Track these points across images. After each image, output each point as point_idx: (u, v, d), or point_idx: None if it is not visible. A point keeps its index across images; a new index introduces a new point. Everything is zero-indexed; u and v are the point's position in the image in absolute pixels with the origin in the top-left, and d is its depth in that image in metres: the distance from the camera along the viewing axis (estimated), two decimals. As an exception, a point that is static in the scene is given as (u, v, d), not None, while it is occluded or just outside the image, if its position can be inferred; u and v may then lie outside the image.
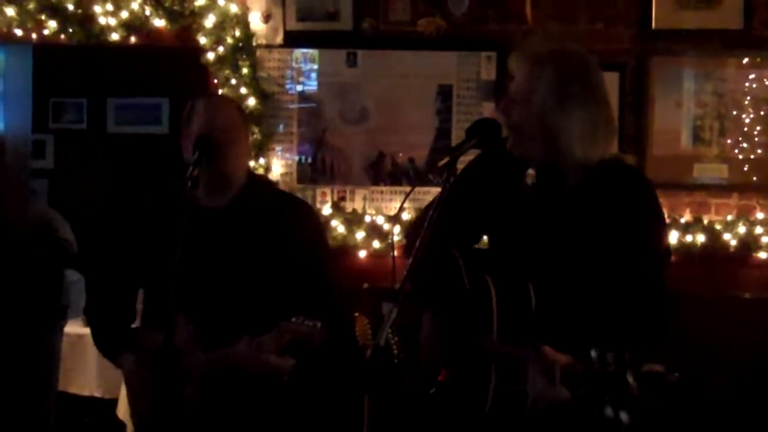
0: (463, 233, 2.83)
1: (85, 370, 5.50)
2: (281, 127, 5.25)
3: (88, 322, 3.25)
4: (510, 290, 2.55)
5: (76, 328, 5.59)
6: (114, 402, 5.28)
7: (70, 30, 5.19)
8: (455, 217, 2.69)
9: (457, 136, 5.17)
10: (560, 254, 2.57)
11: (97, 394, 5.52)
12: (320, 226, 3.23)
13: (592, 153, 2.58)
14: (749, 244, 5.09)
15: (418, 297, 2.75)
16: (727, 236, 5.10)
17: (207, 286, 2.87)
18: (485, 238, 2.92)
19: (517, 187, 2.69)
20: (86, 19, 5.16)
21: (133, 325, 3.12)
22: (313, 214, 3.24)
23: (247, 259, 2.89)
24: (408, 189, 4.98)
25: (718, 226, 5.12)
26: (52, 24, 5.16)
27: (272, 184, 3.31)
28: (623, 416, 2.11)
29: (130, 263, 3.02)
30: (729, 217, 5.15)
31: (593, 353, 2.13)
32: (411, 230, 3.11)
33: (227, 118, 2.92)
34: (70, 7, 5.14)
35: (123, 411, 5.17)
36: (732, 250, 5.09)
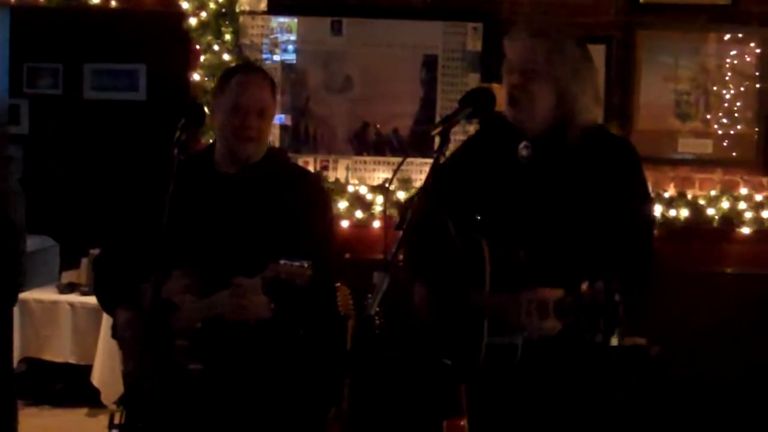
0: (458, 204, 2.83)
1: (60, 336, 5.44)
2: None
3: (94, 274, 3.29)
4: (502, 248, 2.61)
5: (50, 294, 5.58)
6: (88, 368, 5.27)
7: (51, -8, 5.03)
8: (451, 188, 2.80)
9: (442, 106, 5.13)
10: (555, 214, 2.64)
11: (71, 360, 5.45)
12: (326, 198, 3.22)
13: (594, 117, 2.75)
14: (732, 219, 5.06)
15: (408, 267, 2.84)
16: (710, 211, 5.07)
17: (211, 244, 2.88)
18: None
19: (512, 158, 2.73)
20: (68, -19, 5.03)
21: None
22: (321, 186, 3.26)
23: (252, 222, 2.90)
24: (391, 159, 5.11)
25: (701, 201, 5.09)
26: (32, -14, 5.02)
27: (285, 155, 3.34)
28: (613, 339, 2.38)
29: (135, 221, 3.03)
30: (713, 192, 5.12)
31: (583, 285, 2.28)
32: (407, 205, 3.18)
33: (258, 96, 2.93)
34: (52, -31, 5.00)
35: (97, 377, 5.20)
36: (715, 225, 5.07)
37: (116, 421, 2.73)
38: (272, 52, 5.16)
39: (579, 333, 2.30)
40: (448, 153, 2.73)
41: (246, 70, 3.14)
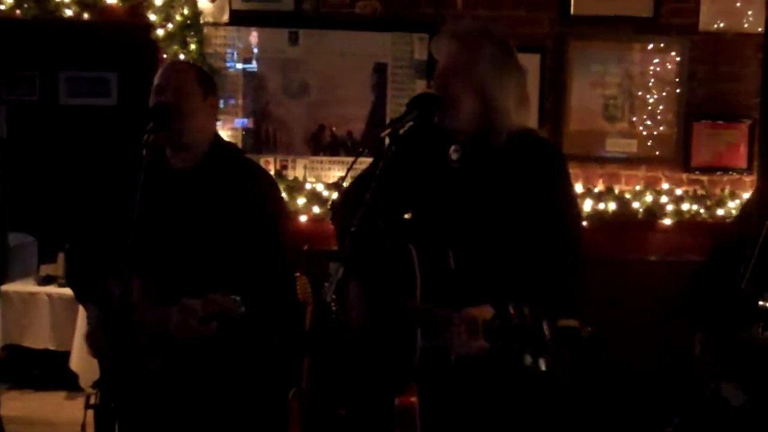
0: (390, 204, 2.77)
1: (39, 324, 5.48)
2: (231, 101, 5.20)
3: (66, 265, 3.29)
4: (431, 254, 2.56)
5: (29, 286, 5.63)
6: (66, 354, 5.32)
7: (25, 6, 5.00)
8: (383, 189, 2.67)
9: (391, 110, 5.18)
10: (482, 216, 2.58)
11: (50, 347, 5.49)
12: (276, 193, 3.13)
13: (519, 120, 2.62)
14: (655, 211, 5.18)
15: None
16: (635, 204, 5.18)
17: (163, 243, 2.83)
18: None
19: (442, 161, 2.68)
20: (42, -4, 5.02)
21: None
22: (270, 182, 3.15)
23: (203, 220, 2.84)
24: (345, 159, 5.17)
25: (627, 195, 5.20)
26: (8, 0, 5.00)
27: (237, 151, 3.21)
28: (541, 363, 2.16)
29: (103, 217, 2.98)
30: (637, 187, 5.24)
31: (511, 308, 2.17)
32: (339, 199, 3.12)
33: (180, 80, 2.87)
34: (26, -17, 4.99)
35: (75, 362, 5.25)
36: (640, 217, 5.18)
37: (92, 402, 2.72)
38: (235, 61, 5.19)
39: (507, 356, 2.21)
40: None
41: (170, 62, 3.05)
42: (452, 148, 2.65)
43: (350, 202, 2.75)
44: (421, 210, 2.76)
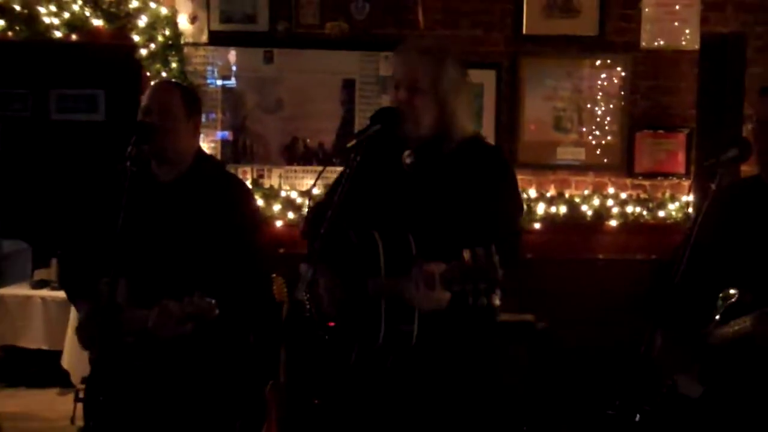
0: (354, 206, 2.76)
1: (33, 326, 5.49)
2: (212, 116, 5.29)
3: (59, 269, 3.24)
4: (393, 240, 2.60)
5: (24, 290, 5.64)
6: (59, 353, 5.32)
7: (17, 28, 5.09)
8: (350, 192, 2.72)
9: (359, 123, 5.25)
10: (434, 211, 2.61)
11: (43, 347, 5.51)
12: (252, 204, 3.17)
13: (469, 127, 2.73)
14: (602, 214, 5.28)
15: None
16: (584, 208, 5.27)
17: (148, 248, 2.87)
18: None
19: (397, 165, 2.73)
20: (31, 19, 5.08)
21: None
22: (251, 196, 3.21)
23: (184, 228, 2.89)
24: (318, 168, 5.20)
25: (577, 200, 5.29)
26: (0, 22, 5.08)
27: (218, 165, 3.25)
28: (495, 299, 2.20)
29: (92, 224, 3.01)
30: (586, 192, 5.33)
31: (465, 254, 2.21)
32: (309, 215, 3.09)
33: (165, 102, 2.91)
34: (17, 7, 5.07)
35: (66, 361, 5.23)
36: (588, 219, 5.27)
37: (81, 396, 2.71)
38: (214, 78, 5.27)
39: (464, 300, 2.23)
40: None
41: (157, 82, 3.04)
42: (406, 153, 2.71)
43: (319, 213, 2.74)
44: (379, 211, 2.76)
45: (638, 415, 2.53)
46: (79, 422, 2.82)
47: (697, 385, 2.63)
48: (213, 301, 2.68)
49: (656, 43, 5.28)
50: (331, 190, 2.89)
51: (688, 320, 2.70)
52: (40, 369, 5.98)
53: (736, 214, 2.72)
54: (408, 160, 2.71)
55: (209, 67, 5.27)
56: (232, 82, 5.30)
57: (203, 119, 5.00)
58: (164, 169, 2.96)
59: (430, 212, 2.63)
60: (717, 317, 2.71)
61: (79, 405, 4.67)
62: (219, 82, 5.29)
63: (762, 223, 2.65)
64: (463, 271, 2.22)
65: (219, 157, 5.22)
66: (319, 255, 2.50)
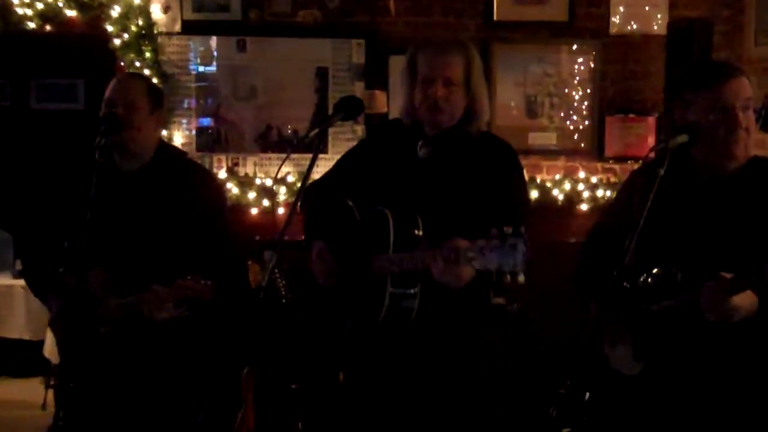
0: (358, 192, 2.86)
1: (14, 315, 5.45)
2: (185, 103, 5.27)
3: (22, 265, 3.25)
4: (403, 219, 2.65)
5: (5, 279, 5.59)
6: (41, 343, 5.28)
7: (-8, 20, 5.06)
8: (351, 179, 2.86)
9: (332, 110, 5.16)
10: (450, 199, 2.68)
11: (25, 337, 5.47)
12: (219, 190, 3.22)
13: (488, 115, 2.86)
14: (573, 198, 5.30)
15: (305, 241, 2.86)
16: (555, 192, 5.29)
17: (119, 239, 2.88)
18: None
19: (412, 156, 2.78)
20: (4, 10, 5.02)
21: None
22: (213, 180, 3.24)
23: (153, 217, 2.90)
24: (291, 156, 5.13)
25: (548, 184, 5.30)
26: (-27, 14, 5.05)
27: (181, 154, 3.24)
28: (521, 278, 2.24)
29: (56, 217, 3.02)
30: (557, 177, 5.34)
31: (493, 230, 2.21)
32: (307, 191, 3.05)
33: (129, 94, 2.91)
34: (-11, -2, 5.04)
35: (48, 350, 5.18)
36: (560, 203, 5.28)
37: (52, 383, 2.74)
38: (187, 67, 5.24)
39: (487, 277, 2.25)
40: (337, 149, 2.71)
41: (120, 74, 3.04)
42: (420, 143, 2.76)
43: (320, 192, 2.86)
44: (392, 200, 2.77)
45: (587, 394, 2.54)
46: (51, 408, 2.86)
47: (630, 360, 2.59)
48: (209, 283, 2.71)
49: (628, 28, 5.27)
50: (333, 170, 2.95)
51: (618, 299, 2.67)
52: (22, 358, 5.95)
53: (666, 193, 2.64)
54: (423, 151, 2.76)
55: (183, 56, 5.23)
56: (205, 70, 5.27)
57: (177, 108, 5.14)
58: (127, 160, 2.96)
59: (442, 198, 2.68)
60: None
61: (50, 392, 4.71)
62: (193, 71, 5.25)
63: (690, 201, 2.58)
64: (490, 245, 2.22)
65: (193, 145, 5.23)
66: (317, 231, 2.64)
